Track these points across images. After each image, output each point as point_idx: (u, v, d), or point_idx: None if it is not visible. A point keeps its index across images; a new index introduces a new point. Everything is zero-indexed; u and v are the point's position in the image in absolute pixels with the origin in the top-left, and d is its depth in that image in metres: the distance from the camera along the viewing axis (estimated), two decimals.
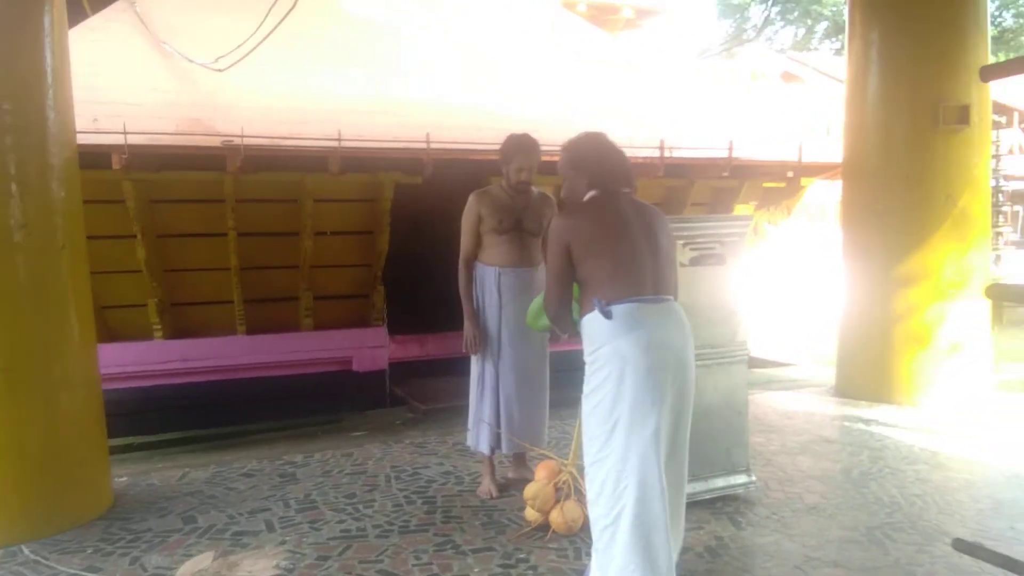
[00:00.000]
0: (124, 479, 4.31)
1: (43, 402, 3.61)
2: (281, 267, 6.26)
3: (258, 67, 6.10)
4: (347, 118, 6.22)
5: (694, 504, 3.65)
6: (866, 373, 5.87)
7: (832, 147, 7.75)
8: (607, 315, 2.53)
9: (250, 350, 6.16)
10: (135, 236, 5.57)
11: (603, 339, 2.55)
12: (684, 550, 3.05)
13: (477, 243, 4.01)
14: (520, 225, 3.99)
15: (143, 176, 5.39)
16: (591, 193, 2.76)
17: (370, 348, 6.50)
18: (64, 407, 3.69)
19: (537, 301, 3.05)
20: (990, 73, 2.36)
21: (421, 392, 6.44)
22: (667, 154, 6.44)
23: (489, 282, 3.94)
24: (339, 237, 6.30)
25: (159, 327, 5.97)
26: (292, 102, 6.18)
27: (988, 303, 5.84)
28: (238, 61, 5.92)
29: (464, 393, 6.00)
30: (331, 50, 6.92)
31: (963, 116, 5.53)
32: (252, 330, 6.22)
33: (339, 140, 5.62)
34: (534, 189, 4.14)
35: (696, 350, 3.74)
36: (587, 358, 2.62)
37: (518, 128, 4.15)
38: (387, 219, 6.22)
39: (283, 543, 3.47)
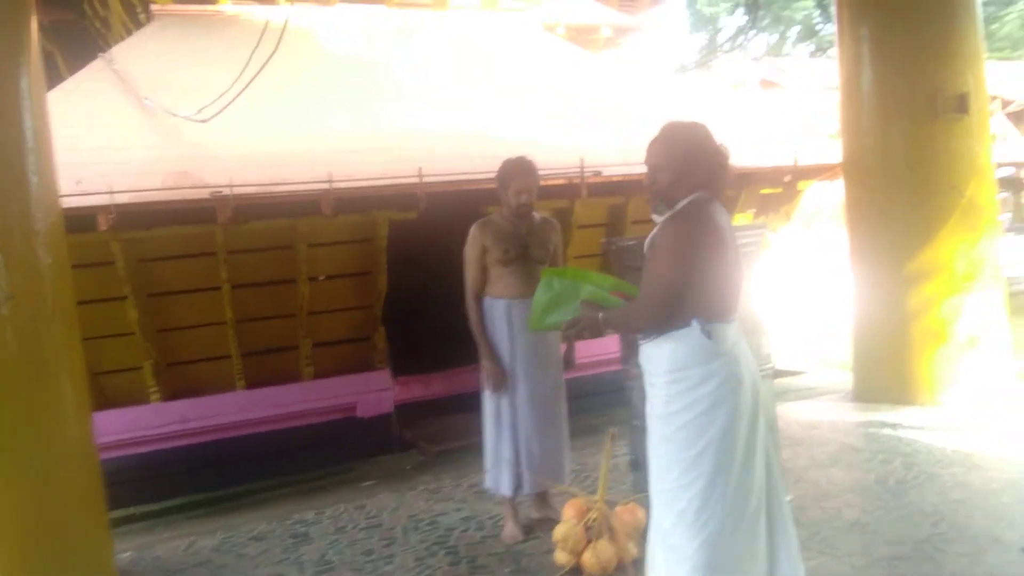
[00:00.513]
0: (128, 554, 4.11)
1: (40, 478, 3.43)
2: (278, 316, 6.11)
3: (242, 115, 5.99)
4: (336, 158, 6.10)
5: None
6: (885, 375, 5.71)
7: (826, 148, 7.68)
8: (708, 335, 2.35)
9: (251, 405, 5.98)
10: (126, 297, 5.42)
11: (695, 359, 2.35)
12: None
13: (483, 276, 3.87)
14: (526, 253, 3.85)
15: (131, 235, 5.25)
16: (695, 196, 2.42)
17: (374, 392, 6.32)
18: (61, 482, 3.51)
19: (541, 299, 2.71)
20: None
21: (430, 433, 6.25)
22: None
23: (498, 316, 3.80)
24: (336, 280, 6.16)
25: (155, 389, 5.79)
26: (279, 146, 6.07)
27: (1003, 293, 5.71)
28: (221, 110, 5.81)
29: (474, 430, 5.80)
30: (315, 91, 6.83)
31: (962, 104, 5.43)
32: (252, 384, 6.05)
33: (330, 181, 5.50)
34: (536, 214, 4.02)
35: None
36: (668, 377, 2.39)
37: (511, 154, 4.03)
38: (384, 258, 6.09)
39: None
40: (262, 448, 5.83)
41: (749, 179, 6.92)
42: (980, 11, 5.85)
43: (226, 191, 5.12)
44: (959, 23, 5.62)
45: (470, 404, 6.75)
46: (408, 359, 6.58)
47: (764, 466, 2.44)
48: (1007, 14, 26.93)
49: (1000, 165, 12.44)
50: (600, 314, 2.53)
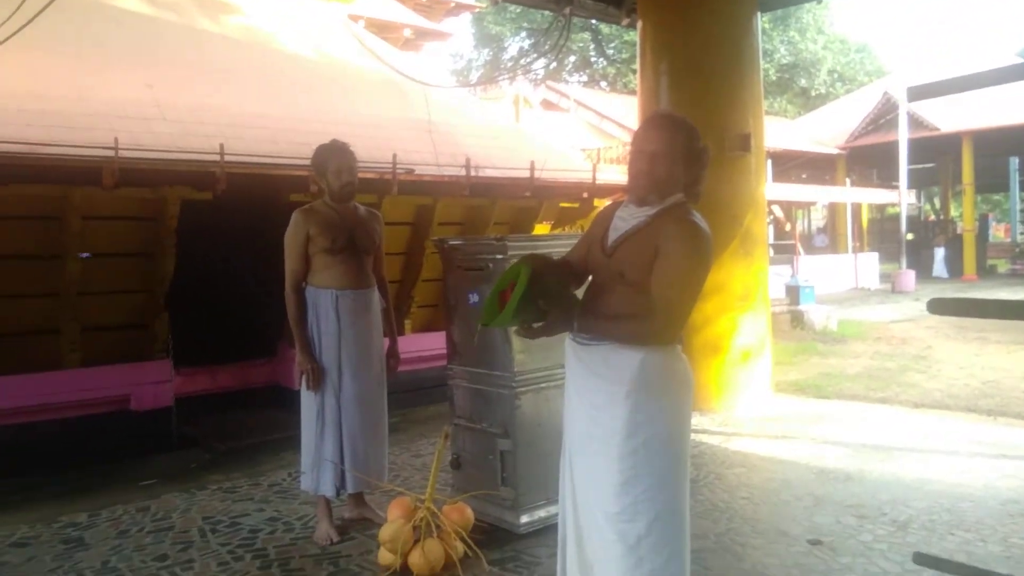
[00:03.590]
0: None
1: None
2: (40, 295, 5.36)
3: (6, 64, 5.23)
4: (121, 124, 5.52)
5: (531, 535, 3.58)
6: None
7: (617, 170, 8.18)
8: (681, 342, 2.30)
9: None
10: None
11: (666, 366, 2.22)
12: None
13: (306, 266, 3.66)
14: (353, 243, 3.71)
15: None
16: (680, 197, 2.26)
17: (152, 384, 5.71)
18: None
19: (517, 294, 2.15)
20: (917, 93, 2.52)
21: (216, 430, 5.77)
22: (473, 173, 6.38)
23: (325, 307, 3.61)
24: (113, 260, 5.51)
25: None
26: (51, 104, 5.38)
27: (768, 313, 6.38)
28: None
29: (266, 427, 5.51)
30: (96, 47, 6.13)
31: (745, 144, 6.02)
32: (1, 370, 5.25)
33: (115, 149, 4.95)
34: (359, 206, 3.88)
35: (545, 372, 3.70)
36: (635, 385, 2.18)
37: (322, 142, 3.87)
38: (172, 239, 5.54)
39: None
40: (13, 443, 5.06)
41: (550, 192, 7.18)
42: (760, 65, 6.53)
43: None
44: (745, 71, 6.24)
45: (261, 399, 6.43)
46: (193, 349, 6.05)
47: None
48: None
49: None
50: (575, 323, 2.27)
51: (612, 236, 2.30)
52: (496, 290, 2.26)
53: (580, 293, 2.42)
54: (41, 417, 5.29)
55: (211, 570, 3.34)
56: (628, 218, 2.28)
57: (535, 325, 2.29)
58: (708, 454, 4.88)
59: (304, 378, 3.59)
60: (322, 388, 3.57)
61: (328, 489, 3.57)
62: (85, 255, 5.42)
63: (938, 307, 2.36)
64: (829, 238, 24.44)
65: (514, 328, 2.34)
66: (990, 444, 5.01)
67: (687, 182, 2.26)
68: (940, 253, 21.21)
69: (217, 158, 5.36)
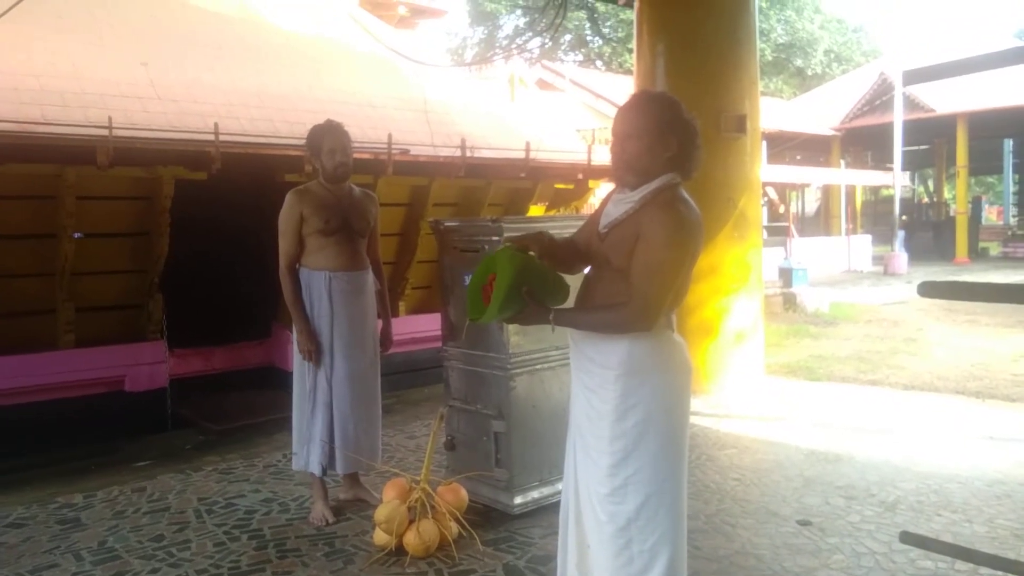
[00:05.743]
0: None
1: None
2: (33, 275, 5.36)
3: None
4: (115, 103, 5.49)
5: (525, 516, 3.63)
6: None
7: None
8: (673, 327, 2.27)
9: None
10: None
11: (656, 352, 2.21)
12: (540, 558, 2.90)
13: (300, 247, 3.67)
14: (347, 224, 3.71)
15: None
16: (670, 178, 2.20)
17: (146, 365, 5.74)
18: None
19: (503, 287, 2.15)
20: (913, 76, 2.51)
21: (211, 411, 5.79)
22: (468, 154, 6.37)
23: (318, 288, 3.62)
24: (108, 240, 5.51)
25: None
26: (45, 82, 5.34)
27: (761, 295, 6.41)
28: None
29: (261, 408, 5.53)
30: (90, 24, 6.07)
31: (741, 125, 6.01)
32: None
33: (110, 128, 4.93)
34: (354, 187, 3.88)
35: (540, 353, 3.73)
36: (623, 369, 2.19)
37: (317, 121, 3.87)
38: (166, 219, 5.54)
39: None
40: (8, 424, 5.07)
41: (545, 173, 7.18)
42: (757, 45, 6.51)
43: None
44: (742, 51, 6.21)
45: (256, 380, 6.45)
46: (187, 330, 6.05)
47: None
48: None
49: None
50: (551, 315, 2.24)
51: (604, 221, 2.29)
52: (476, 283, 2.24)
53: (579, 278, 2.44)
54: (36, 398, 5.30)
55: (207, 551, 3.37)
56: (620, 203, 2.26)
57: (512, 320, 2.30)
58: (700, 436, 4.92)
59: (306, 356, 3.60)
60: (313, 368, 3.59)
61: (315, 467, 3.59)
62: (79, 235, 5.42)
63: (929, 290, 2.37)
64: (801, 222, 24.56)
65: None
66: (978, 426, 5.07)
67: (671, 156, 2.19)
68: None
69: (212, 137, 5.34)
